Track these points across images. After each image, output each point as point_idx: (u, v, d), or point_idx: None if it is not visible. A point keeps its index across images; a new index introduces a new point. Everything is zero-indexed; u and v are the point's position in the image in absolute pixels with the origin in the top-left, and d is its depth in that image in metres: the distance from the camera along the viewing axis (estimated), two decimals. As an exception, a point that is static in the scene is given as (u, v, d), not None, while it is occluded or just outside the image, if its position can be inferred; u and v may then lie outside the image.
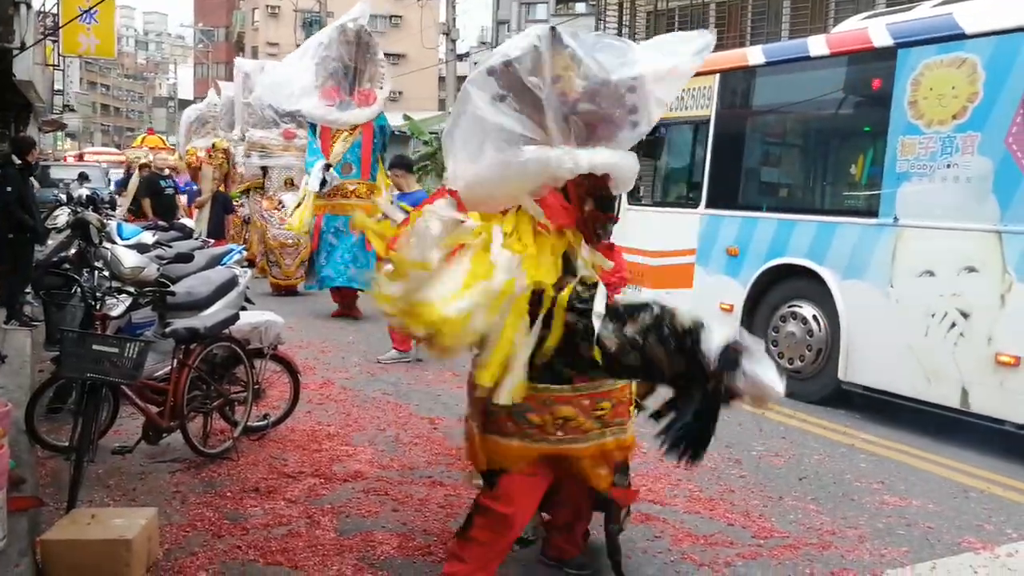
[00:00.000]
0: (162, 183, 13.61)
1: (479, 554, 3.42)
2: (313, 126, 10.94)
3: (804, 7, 16.86)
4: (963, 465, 5.99)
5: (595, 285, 3.30)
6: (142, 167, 16.52)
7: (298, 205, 10.61)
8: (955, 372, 6.36)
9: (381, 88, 11.01)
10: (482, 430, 3.43)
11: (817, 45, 7.62)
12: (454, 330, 3.08)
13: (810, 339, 7.51)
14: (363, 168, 10.84)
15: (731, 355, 2.96)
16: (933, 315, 6.49)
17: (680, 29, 18.96)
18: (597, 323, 3.12)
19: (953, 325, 6.37)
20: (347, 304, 10.99)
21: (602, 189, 3.46)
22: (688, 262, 8.63)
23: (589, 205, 3.45)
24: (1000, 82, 6.11)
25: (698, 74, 8.53)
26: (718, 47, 15.54)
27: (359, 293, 10.78)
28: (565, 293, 3.20)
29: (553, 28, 3.40)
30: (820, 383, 7.50)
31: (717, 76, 8.49)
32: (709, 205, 8.50)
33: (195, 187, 16.11)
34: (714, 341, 3.00)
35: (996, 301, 6.11)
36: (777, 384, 2.97)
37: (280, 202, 12.65)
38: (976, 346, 6.23)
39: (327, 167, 10.40)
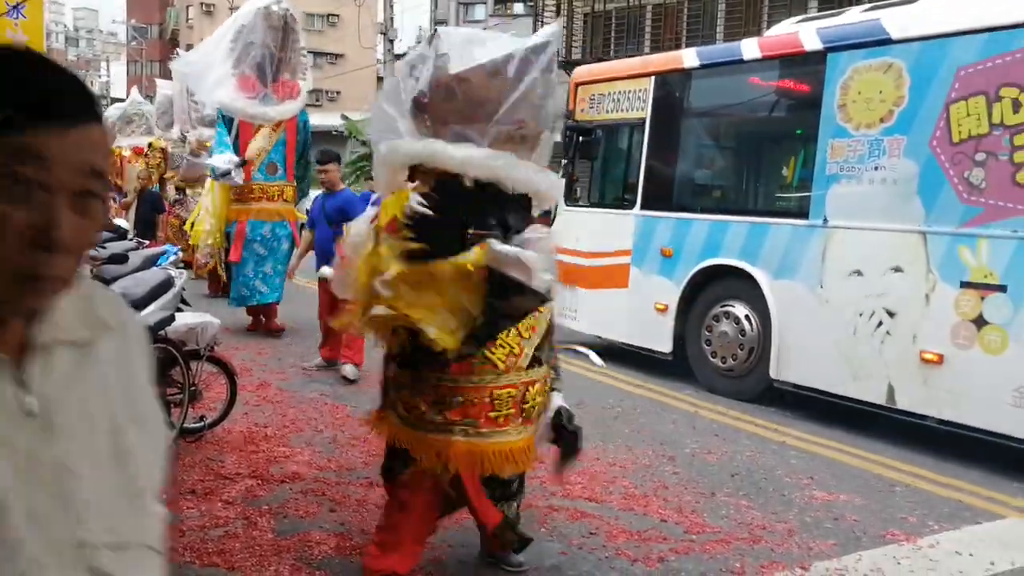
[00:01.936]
0: None
1: None
2: (228, 119, 9.70)
3: (738, 10, 17.17)
4: (889, 460, 6.18)
5: None
6: None
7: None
8: (882, 369, 6.55)
9: (304, 79, 10.10)
10: None
11: (750, 48, 7.77)
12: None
13: (742, 338, 7.66)
14: (288, 168, 9.88)
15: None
16: (861, 314, 6.67)
17: (617, 31, 19.38)
18: None
19: (880, 324, 6.56)
20: (269, 317, 9.88)
21: None
22: (624, 263, 8.73)
23: None
24: (924, 87, 6.30)
25: (634, 76, 8.79)
26: (654, 48, 15.83)
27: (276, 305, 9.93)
28: None
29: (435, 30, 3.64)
30: (752, 381, 7.66)
31: (652, 78, 8.61)
32: (644, 206, 8.61)
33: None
34: None
35: (921, 300, 6.30)
36: None
37: None
38: (902, 344, 6.42)
39: (241, 163, 9.42)
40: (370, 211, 4.02)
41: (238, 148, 9.55)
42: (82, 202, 0.94)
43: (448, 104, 3.47)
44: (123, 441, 1.04)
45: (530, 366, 3.60)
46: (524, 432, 3.61)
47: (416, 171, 3.56)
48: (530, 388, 3.60)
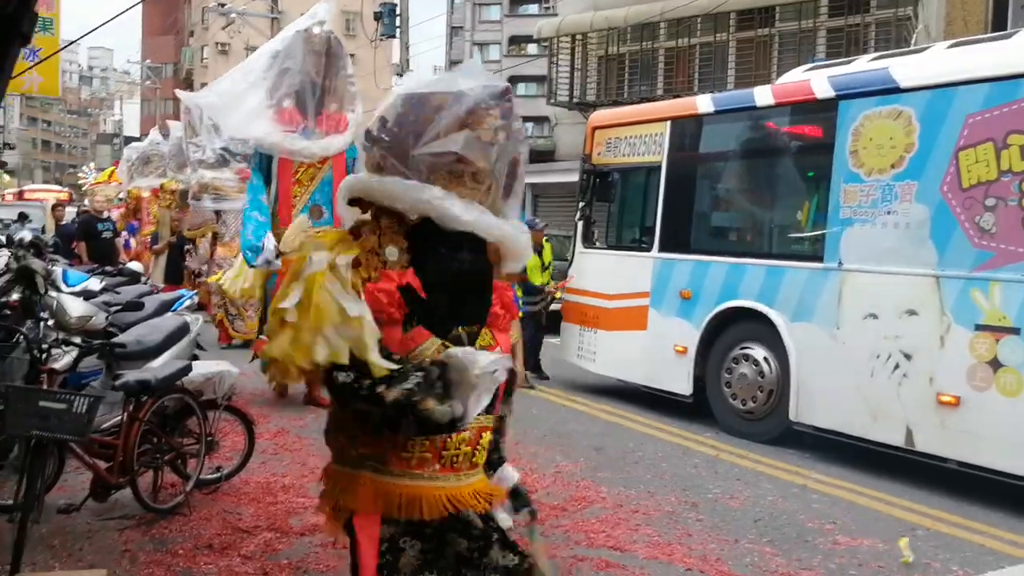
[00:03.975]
0: (99, 226, 13.07)
1: None
2: (263, 158, 8.53)
3: (748, 54, 17.32)
4: (910, 503, 6.13)
5: None
6: (55, 208, 16.19)
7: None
8: (899, 412, 6.52)
9: (352, 111, 8.69)
10: None
11: (763, 95, 7.83)
12: None
13: (761, 380, 7.64)
14: (335, 211, 8.53)
15: None
16: (878, 356, 6.65)
17: (630, 74, 19.55)
18: None
19: (897, 366, 6.54)
20: (312, 383, 8.39)
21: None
22: (643, 304, 8.73)
23: None
24: (934, 133, 6.35)
25: (650, 121, 8.85)
26: (667, 90, 16.02)
27: None
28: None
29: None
30: (772, 423, 7.62)
31: (668, 123, 8.68)
32: (662, 249, 8.64)
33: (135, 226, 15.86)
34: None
35: (936, 343, 6.29)
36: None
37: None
38: (918, 386, 6.40)
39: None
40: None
41: (277, 191, 8.39)
42: None
43: (386, 137, 3.28)
44: None
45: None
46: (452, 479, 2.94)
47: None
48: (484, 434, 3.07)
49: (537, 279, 10.15)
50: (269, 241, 8.05)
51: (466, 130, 3.13)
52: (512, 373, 3.04)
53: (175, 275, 13.12)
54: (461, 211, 3.08)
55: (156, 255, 13.72)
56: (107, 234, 13.00)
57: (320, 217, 8.42)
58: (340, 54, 8.68)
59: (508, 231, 3.20)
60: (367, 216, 3.13)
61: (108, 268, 9.90)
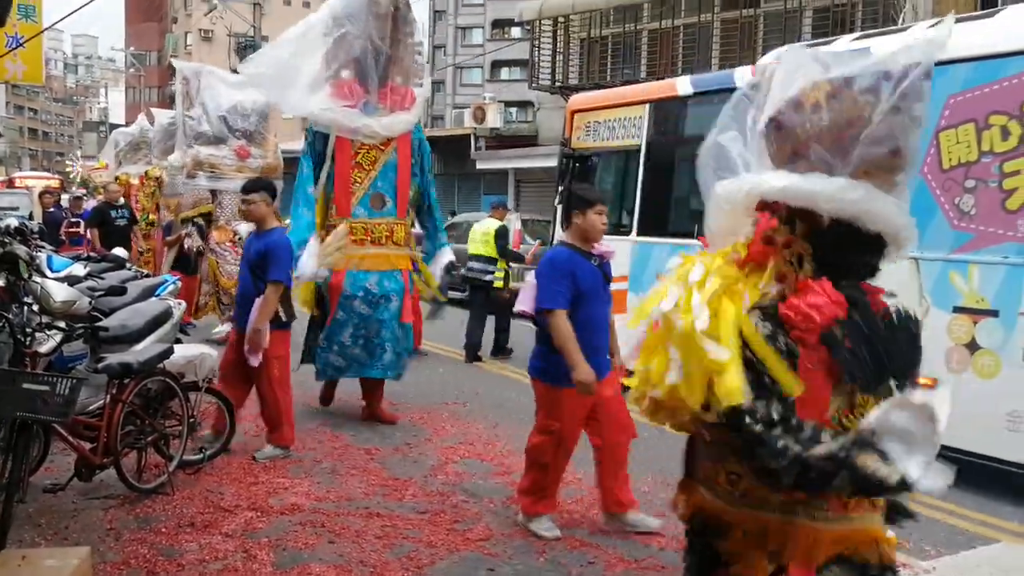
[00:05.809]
0: (113, 213, 12.85)
1: None
2: (317, 138, 7.32)
3: (733, 35, 17.31)
4: (886, 484, 6.19)
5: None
6: (42, 195, 16.01)
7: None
8: (876, 394, 6.57)
9: (420, 85, 7.73)
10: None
11: (743, 76, 7.86)
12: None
13: (740, 363, 7.69)
14: (399, 200, 7.38)
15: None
16: (855, 339, 6.70)
17: (613, 56, 19.52)
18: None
19: (874, 348, 6.59)
20: (374, 397, 7.44)
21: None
22: (621, 288, 8.75)
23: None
24: (914, 115, 6.37)
25: (629, 104, 8.88)
26: (650, 73, 15.89)
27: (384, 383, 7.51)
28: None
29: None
30: (750, 405, 7.67)
31: (647, 106, 8.70)
32: (641, 232, 8.67)
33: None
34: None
35: (914, 325, 6.34)
36: None
37: (235, 233, 11.24)
38: (896, 368, 6.44)
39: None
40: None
41: (333, 172, 7.23)
42: None
43: (809, 125, 2.68)
44: None
45: None
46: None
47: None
48: None
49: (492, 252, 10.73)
50: (307, 255, 6.83)
51: (901, 115, 2.57)
52: None
53: (186, 265, 12.72)
54: (894, 212, 2.63)
55: (169, 246, 13.28)
56: (121, 221, 12.66)
57: (382, 207, 7.32)
58: (408, 19, 7.59)
59: (907, 225, 2.67)
60: (775, 222, 2.64)
61: (92, 255, 9.85)
